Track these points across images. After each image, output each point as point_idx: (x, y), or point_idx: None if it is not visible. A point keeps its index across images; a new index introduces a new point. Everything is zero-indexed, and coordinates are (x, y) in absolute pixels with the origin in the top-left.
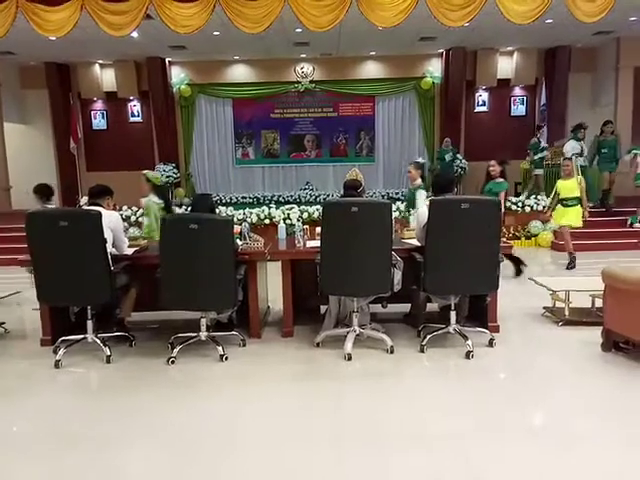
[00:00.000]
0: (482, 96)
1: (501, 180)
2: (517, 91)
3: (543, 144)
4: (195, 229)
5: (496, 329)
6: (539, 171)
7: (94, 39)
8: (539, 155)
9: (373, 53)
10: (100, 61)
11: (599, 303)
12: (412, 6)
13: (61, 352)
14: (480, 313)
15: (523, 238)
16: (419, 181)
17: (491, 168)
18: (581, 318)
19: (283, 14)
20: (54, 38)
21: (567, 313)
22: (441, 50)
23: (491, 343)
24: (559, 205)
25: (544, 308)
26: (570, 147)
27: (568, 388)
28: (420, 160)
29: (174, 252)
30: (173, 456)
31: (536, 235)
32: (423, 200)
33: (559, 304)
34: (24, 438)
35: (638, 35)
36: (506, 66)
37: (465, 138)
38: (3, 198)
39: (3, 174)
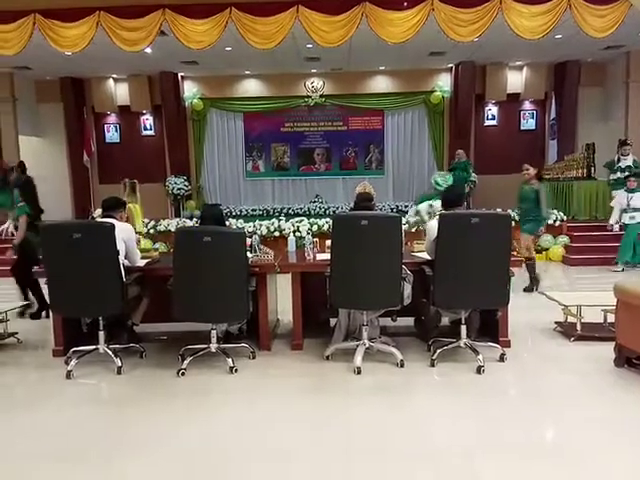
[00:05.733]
0: (492, 110)
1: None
2: (527, 105)
3: (626, 162)
4: (209, 242)
5: (507, 344)
6: (615, 193)
7: (109, 54)
8: (615, 175)
9: (383, 68)
10: (114, 75)
11: (611, 318)
12: (422, 22)
13: (73, 363)
14: (491, 327)
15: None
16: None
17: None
18: (593, 333)
19: (294, 30)
20: (70, 53)
21: (579, 328)
22: (450, 65)
23: (502, 358)
24: None
25: (556, 323)
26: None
27: (580, 404)
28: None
29: (187, 264)
30: (181, 468)
31: (547, 249)
32: None
33: (571, 319)
34: (33, 449)
35: None
36: (515, 80)
37: (475, 152)
38: None
39: None
